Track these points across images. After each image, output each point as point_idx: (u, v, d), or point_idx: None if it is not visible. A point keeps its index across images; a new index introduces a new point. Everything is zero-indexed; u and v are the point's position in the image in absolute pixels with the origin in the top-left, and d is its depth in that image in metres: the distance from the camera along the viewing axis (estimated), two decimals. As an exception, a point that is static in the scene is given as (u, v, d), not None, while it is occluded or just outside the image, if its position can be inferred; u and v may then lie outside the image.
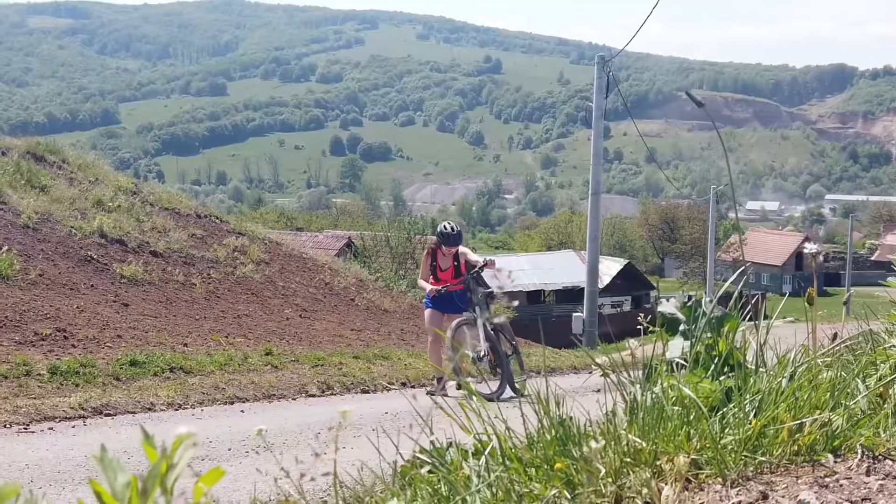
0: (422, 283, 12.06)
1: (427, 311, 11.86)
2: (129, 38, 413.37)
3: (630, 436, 2.09)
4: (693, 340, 2.79)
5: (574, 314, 29.52)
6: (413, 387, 12.13)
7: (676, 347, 2.83)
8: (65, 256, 15.52)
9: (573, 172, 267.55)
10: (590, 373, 14.87)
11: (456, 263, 11.63)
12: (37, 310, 12.19)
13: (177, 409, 9.06)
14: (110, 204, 19.00)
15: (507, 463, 2.08)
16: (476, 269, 11.33)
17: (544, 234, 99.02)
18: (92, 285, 14.61)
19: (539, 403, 2.26)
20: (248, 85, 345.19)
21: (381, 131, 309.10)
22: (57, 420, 8.10)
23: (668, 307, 2.99)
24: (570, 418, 2.21)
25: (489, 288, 11.72)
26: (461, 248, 11.69)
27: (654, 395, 2.33)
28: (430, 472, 2.22)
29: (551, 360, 17.09)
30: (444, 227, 11.82)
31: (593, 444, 1.95)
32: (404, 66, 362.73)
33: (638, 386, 2.47)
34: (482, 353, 10.85)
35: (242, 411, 9.41)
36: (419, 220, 51.16)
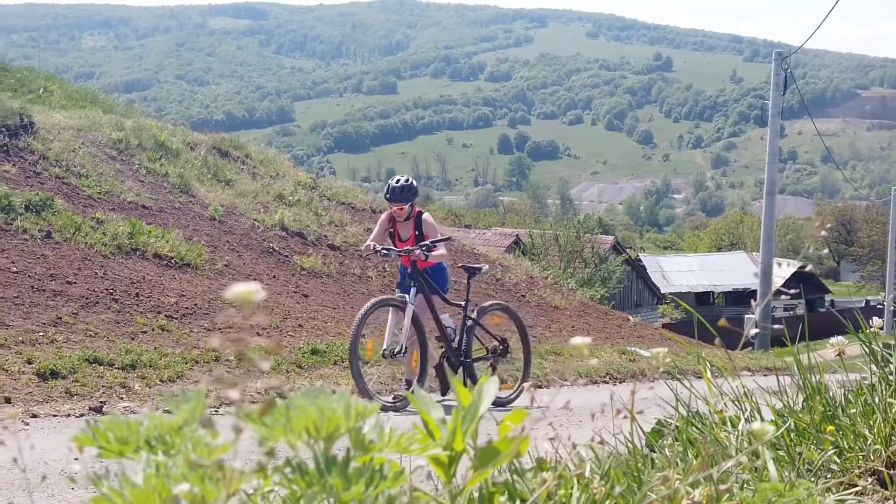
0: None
1: None
2: (304, 38, 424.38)
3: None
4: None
5: (746, 316, 28.92)
6: (588, 383, 12.09)
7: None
8: (248, 248, 16.12)
9: (745, 172, 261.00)
10: (765, 374, 14.53)
11: (417, 232, 9.49)
12: (223, 298, 12.69)
13: (357, 398, 9.25)
14: (290, 198, 19.63)
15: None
16: (424, 245, 9.08)
17: (714, 234, 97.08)
18: (274, 276, 15.12)
19: (801, 372, 2.28)
20: (417, 83, 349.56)
21: (548, 130, 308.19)
22: (243, 405, 8.41)
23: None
24: (826, 387, 2.22)
25: (477, 270, 9.98)
26: (425, 216, 9.61)
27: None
28: (674, 439, 2.25)
29: (724, 361, 16.78)
30: (394, 179, 9.64)
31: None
32: (573, 64, 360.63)
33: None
34: (397, 348, 8.87)
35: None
36: (587, 218, 51.01)
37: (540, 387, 11.66)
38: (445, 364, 9.36)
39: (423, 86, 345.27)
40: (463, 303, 9.58)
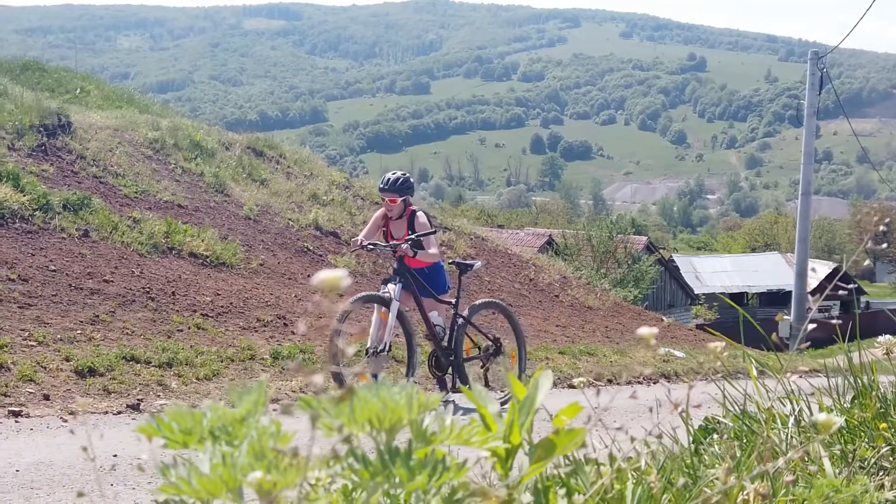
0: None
1: None
2: (337, 38, 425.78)
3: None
4: None
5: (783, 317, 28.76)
6: (622, 383, 12.04)
7: None
8: (283, 247, 16.21)
9: (779, 173, 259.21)
10: (800, 376, 14.40)
11: (411, 232, 9.01)
12: (258, 297, 12.77)
13: (392, 396, 9.23)
14: (325, 197, 19.71)
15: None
16: (410, 239, 8.74)
17: (748, 235, 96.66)
18: (308, 275, 15.15)
19: (853, 371, 2.27)
20: (450, 84, 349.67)
21: (581, 130, 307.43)
22: (279, 402, 8.44)
23: None
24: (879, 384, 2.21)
25: (469, 266, 9.44)
26: (419, 215, 9.15)
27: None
28: (726, 437, 2.25)
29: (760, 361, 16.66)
30: (391, 172, 9.36)
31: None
32: (606, 64, 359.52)
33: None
34: (380, 346, 8.46)
35: (453, 401, 9.56)
36: (620, 218, 50.88)
37: (573, 387, 11.64)
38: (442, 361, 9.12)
39: (456, 86, 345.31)
40: (454, 300, 9.20)
